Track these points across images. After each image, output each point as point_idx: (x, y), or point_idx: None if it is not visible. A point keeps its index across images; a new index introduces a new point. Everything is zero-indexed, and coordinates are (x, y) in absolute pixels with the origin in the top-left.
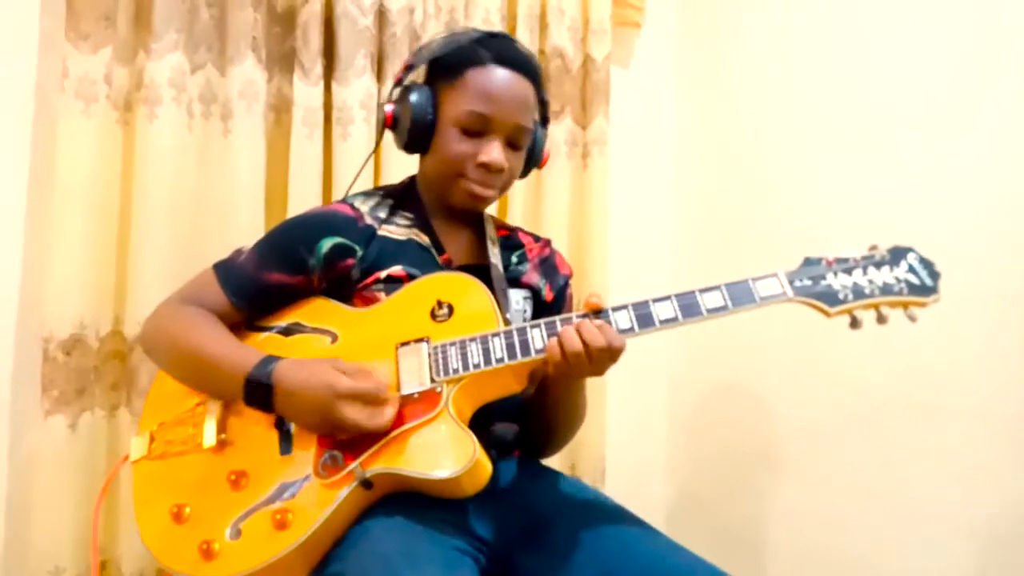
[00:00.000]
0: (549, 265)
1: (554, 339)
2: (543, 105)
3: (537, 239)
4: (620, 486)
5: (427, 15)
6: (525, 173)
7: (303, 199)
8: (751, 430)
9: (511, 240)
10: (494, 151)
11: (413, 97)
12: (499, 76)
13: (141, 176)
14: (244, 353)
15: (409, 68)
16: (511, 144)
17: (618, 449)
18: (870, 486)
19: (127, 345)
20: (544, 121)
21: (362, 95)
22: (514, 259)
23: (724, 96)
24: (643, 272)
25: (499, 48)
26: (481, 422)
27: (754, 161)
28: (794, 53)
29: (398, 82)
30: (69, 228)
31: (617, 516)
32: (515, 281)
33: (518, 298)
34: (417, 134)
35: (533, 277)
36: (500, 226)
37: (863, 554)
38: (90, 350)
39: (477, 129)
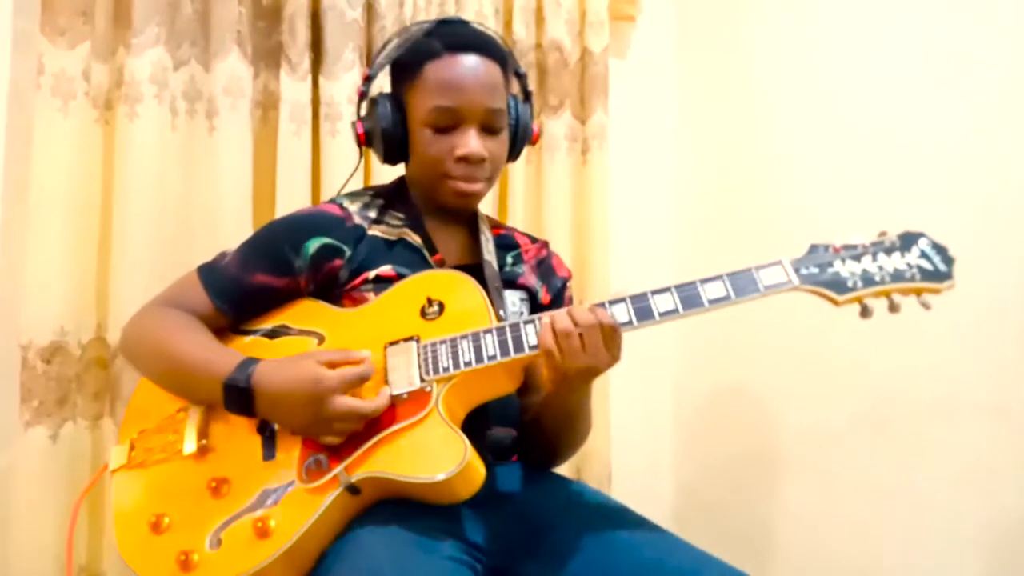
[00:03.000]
0: (546, 267)
1: (546, 324)
2: (520, 78)
3: (534, 240)
4: (626, 490)
5: (417, 8)
6: (516, 154)
7: (292, 198)
8: (758, 431)
9: (506, 239)
10: (471, 142)
11: (379, 109)
12: (457, 64)
13: (122, 177)
14: (223, 356)
15: (369, 79)
16: (486, 130)
17: (623, 453)
18: (881, 486)
19: (110, 352)
20: (526, 95)
21: (350, 90)
22: (509, 259)
23: (724, 87)
24: (645, 267)
25: (451, 34)
26: (478, 427)
27: (756, 152)
28: (794, 42)
29: (362, 96)
30: (47, 232)
31: (620, 517)
32: (511, 283)
33: (514, 299)
34: (391, 145)
35: (530, 279)
36: (495, 225)
37: (875, 556)
38: (71, 358)
39: (447, 124)
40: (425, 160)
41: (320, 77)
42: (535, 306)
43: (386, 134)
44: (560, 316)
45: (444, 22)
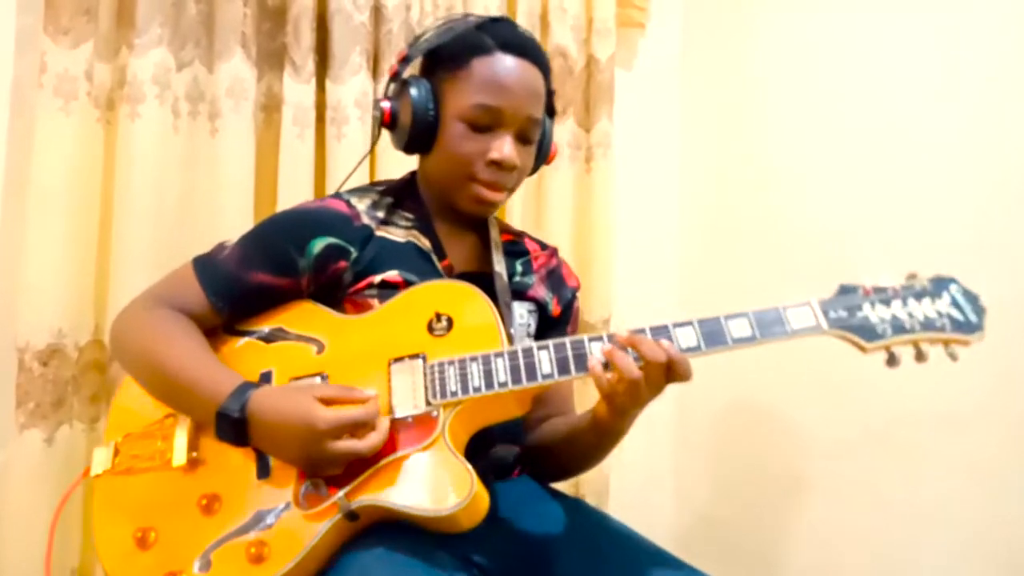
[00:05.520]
0: (556, 277)
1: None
2: (549, 95)
3: (544, 247)
4: (624, 506)
5: (424, 12)
6: (534, 170)
7: (293, 201)
8: (762, 443)
9: (516, 246)
10: (505, 147)
11: (413, 92)
12: (507, 64)
13: (123, 178)
14: (219, 378)
15: (405, 60)
16: (522, 138)
17: (622, 467)
18: (891, 501)
19: (107, 355)
20: (551, 112)
21: (357, 94)
22: (519, 267)
23: (730, 98)
24: (649, 279)
25: (504, 34)
26: (480, 444)
27: (761, 164)
28: (801, 52)
29: (394, 76)
30: (47, 233)
31: (622, 539)
32: (521, 294)
33: (522, 311)
34: (419, 132)
35: (540, 290)
36: (505, 230)
37: (886, 572)
38: (68, 360)
39: (486, 123)
40: (452, 156)
41: (327, 80)
42: (543, 318)
43: (417, 118)
44: (628, 367)
45: (494, 20)
